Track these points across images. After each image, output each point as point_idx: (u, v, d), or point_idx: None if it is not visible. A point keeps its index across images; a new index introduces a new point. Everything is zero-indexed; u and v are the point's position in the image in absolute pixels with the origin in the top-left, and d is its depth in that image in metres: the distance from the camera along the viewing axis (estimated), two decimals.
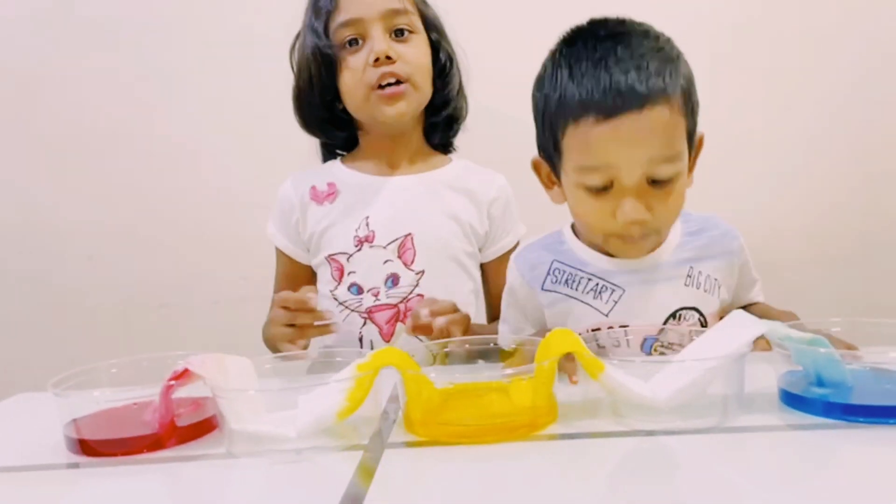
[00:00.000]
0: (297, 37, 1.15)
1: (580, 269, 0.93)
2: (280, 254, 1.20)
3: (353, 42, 1.08)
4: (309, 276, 1.18)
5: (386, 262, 1.10)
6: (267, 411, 0.67)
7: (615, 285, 0.91)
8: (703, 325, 0.91)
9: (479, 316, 1.18)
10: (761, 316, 0.94)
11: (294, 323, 0.97)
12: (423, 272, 1.10)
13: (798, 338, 0.65)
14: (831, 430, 0.61)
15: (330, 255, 1.12)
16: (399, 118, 1.11)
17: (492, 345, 0.80)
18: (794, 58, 1.46)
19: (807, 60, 1.46)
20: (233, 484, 0.61)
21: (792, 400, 0.66)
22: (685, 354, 0.70)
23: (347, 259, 1.11)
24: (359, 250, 1.11)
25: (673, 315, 0.91)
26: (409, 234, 1.11)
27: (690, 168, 0.87)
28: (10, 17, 1.53)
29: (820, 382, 0.65)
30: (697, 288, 0.92)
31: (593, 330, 0.86)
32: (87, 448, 0.67)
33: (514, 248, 1.19)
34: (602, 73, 0.80)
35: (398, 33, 1.09)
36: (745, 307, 0.97)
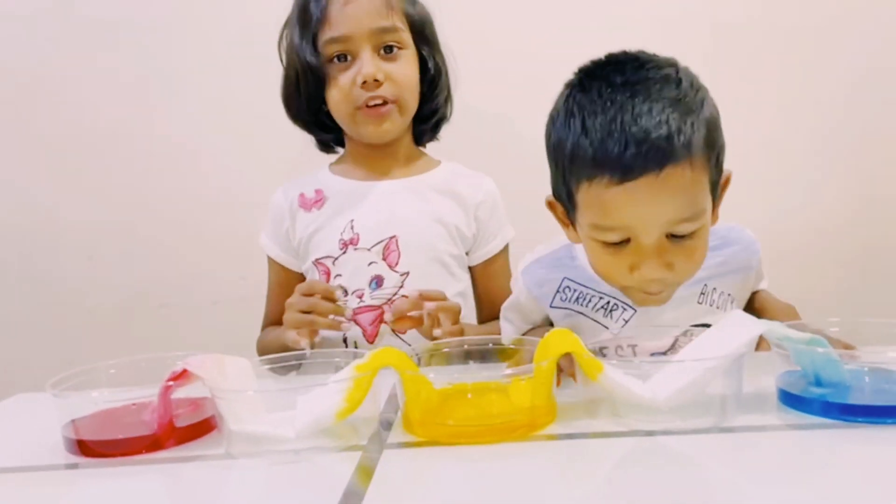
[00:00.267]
0: (286, 25, 1.15)
1: (591, 288, 0.90)
2: (272, 263, 1.20)
3: (342, 58, 1.08)
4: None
5: (370, 264, 1.11)
6: (266, 412, 0.67)
7: (626, 304, 0.89)
8: None
9: (467, 319, 1.18)
10: (761, 306, 0.95)
11: (312, 311, 0.97)
12: (407, 273, 1.11)
13: (796, 338, 0.65)
14: (830, 429, 0.61)
15: (317, 260, 1.13)
16: (383, 137, 1.12)
17: (490, 345, 0.80)
18: (792, 58, 1.46)
19: (806, 61, 1.46)
20: (231, 484, 0.61)
21: (790, 400, 0.66)
22: (684, 354, 0.70)
23: (333, 262, 1.12)
24: (344, 253, 1.11)
25: (683, 333, 0.90)
26: (394, 236, 1.11)
27: (715, 207, 0.82)
28: (9, 17, 1.52)
29: (818, 382, 0.65)
30: (710, 305, 0.90)
31: (601, 348, 0.83)
32: (86, 449, 0.67)
33: (504, 250, 1.20)
34: (616, 130, 0.73)
35: (387, 50, 1.08)
36: (750, 297, 0.98)
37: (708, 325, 0.89)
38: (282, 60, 1.15)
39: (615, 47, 0.82)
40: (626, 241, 0.78)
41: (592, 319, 0.90)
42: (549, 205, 0.89)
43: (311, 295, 0.98)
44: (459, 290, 1.16)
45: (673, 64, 0.79)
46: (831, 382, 0.65)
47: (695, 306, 0.90)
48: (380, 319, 1.10)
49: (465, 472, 0.58)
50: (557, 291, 0.92)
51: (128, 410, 0.73)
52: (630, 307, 0.89)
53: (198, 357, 0.70)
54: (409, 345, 0.97)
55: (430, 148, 1.24)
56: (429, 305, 0.94)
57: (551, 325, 0.95)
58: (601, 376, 0.65)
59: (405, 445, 0.65)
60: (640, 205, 0.75)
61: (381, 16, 1.07)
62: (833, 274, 1.50)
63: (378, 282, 1.10)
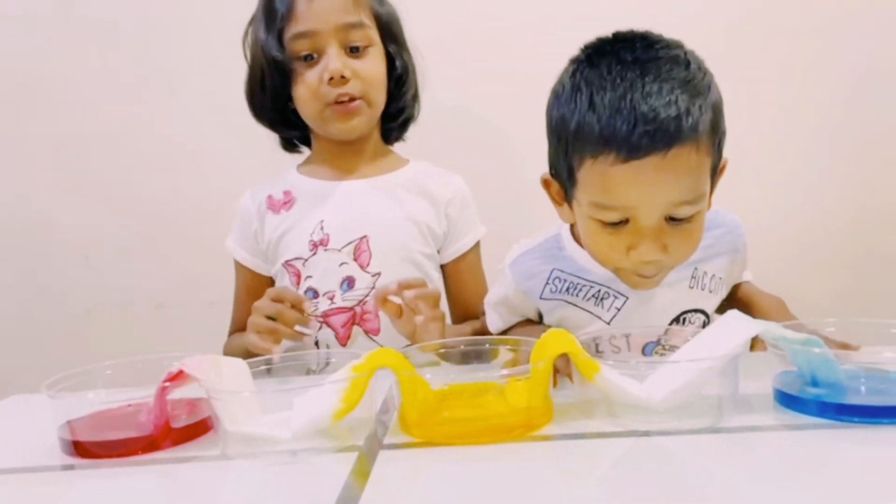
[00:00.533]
0: (251, 22, 1.13)
1: (581, 277, 0.90)
2: (240, 267, 1.19)
3: (308, 57, 1.07)
4: (268, 288, 1.16)
5: (342, 264, 1.10)
6: (262, 413, 0.67)
7: (618, 292, 0.89)
8: (708, 324, 0.90)
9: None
10: (748, 299, 0.95)
11: (278, 318, 0.95)
12: (379, 274, 1.10)
13: (792, 338, 0.65)
14: (826, 430, 0.61)
15: (286, 262, 1.12)
16: (352, 133, 1.11)
17: (486, 346, 0.79)
18: (790, 58, 1.46)
19: (803, 61, 1.46)
20: (228, 485, 0.61)
21: (787, 400, 0.66)
22: (680, 355, 0.70)
23: (303, 264, 1.11)
24: (314, 254, 1.10)
25: (677, 318, 0.89)
26: (365, 236, 1.10)
27: (710, 193, 0.82)
28: (9, 17, 1.52)
29: (814, 382, 0.65)
30: (702, 289, 0.90)
31: (594, 339, 0.83)
32: (82, 450, 0.67)
33: (475, 247, 1.20)
34: (626, 108, 0.73)
35: (353, 49, 1.08)
36: (734, 288, 0.98)
37: (701, 311, 0.90)
38: (246, 58, 1.14)
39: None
40: (625, 221, 0.78)
41: (583, 309, 0.90)
42: (545, 182, 0.88)
43: (279, 301, 0.96)
44: None
45: (680, 45, 0.79)
46: (827, 383, 0.65)
47: (686, 291, 0.89)
48: (352, 321, 1.09)
49: (461, 473, 0.58)
50: (547, 283, 0.91)
51: (124, 411, 0.73)
52: (621, 294, 0.89)
53: (194, 358, 0.70)
54: (379, 344, 0.96)
55: (400, 148, 1.24)
56: (407, 294, 0.92)
57: (540, 317, 0.95)
58: (597, 377, 0.65)
59: (402, 446, 0.65)
60: (644, 184, 0.75)
61: (347, 11, 1.07)
62: (831, 275, 1.50)
63: (349, 283, 1.09)
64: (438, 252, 1.18)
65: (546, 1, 1.46)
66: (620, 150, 0.73)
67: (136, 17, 1.52)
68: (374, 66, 1.10)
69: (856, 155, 1.49)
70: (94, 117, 1.54)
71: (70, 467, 0.66)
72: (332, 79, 1.05)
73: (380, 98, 1.12)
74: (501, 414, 0.66)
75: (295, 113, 1.13)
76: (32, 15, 1.52)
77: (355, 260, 1.10)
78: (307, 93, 1.08)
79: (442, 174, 1.20)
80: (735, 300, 0.97)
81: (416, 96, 1.19)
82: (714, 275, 0.91)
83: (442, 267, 1.19)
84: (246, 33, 1.14)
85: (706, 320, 0.91)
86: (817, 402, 0.64)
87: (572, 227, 0.93)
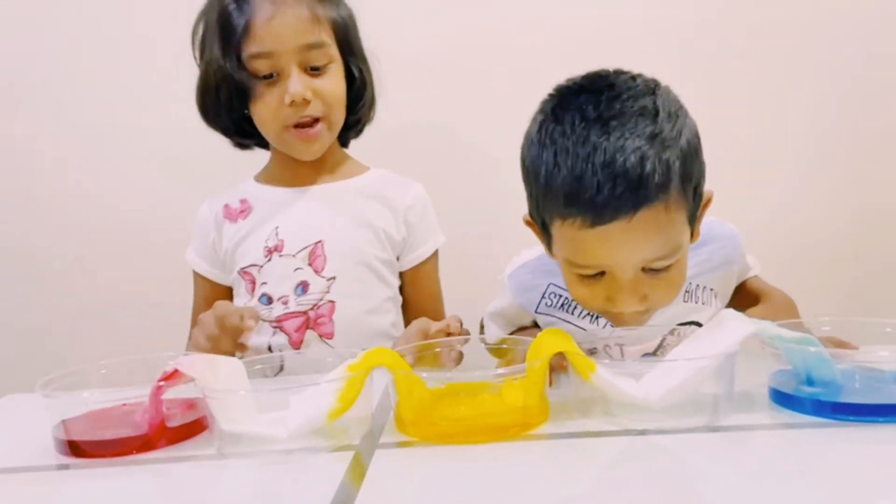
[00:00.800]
0: (199, 21, 1.09)
1: None
2: (198, 278, 1.18)
3: (269, 76, 1.05)
4: (227, 299, 1.15)
5: (296, 269, 1.09)
6: (257, 412, 0.67)
7: (613, 324, 0.88)
8: None
9: (398, 325, 1.17)
10: (756, 293, 0.95)
11: (215, 342, 0.92)
12: (333, 278, 1.09)
13: (788, 337, 0.66)
14: (821, 428, 0.61)
15: (242, 269, 1.11)
16: (313, 156, 1.11)
17: (483, 345, 0.80)
18: (786, 57, 1.46)
19: (799, 59, 1.46)
20: (223, 485, 0.61)
21: (782, 399, 0.66)
22: (676, 354, 0.70)
23: (258, 270, 1.10)
24: (269, 261, 1.10)
25: (671, 332, 0.90)
26: (320, 240, 1.09)
27: (696, 228, 0.80)
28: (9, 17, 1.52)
29: (810, 381, 0.66)
30: (696, 302, 0.91)
31: (590, 350, 0.83)
32: (77, 449, 0.67)
33: (433, 256, 1.19)
34: (589, 171, 0.70)
35: (314, 69, 1.06)
36: (742, 283, 0.98)
37: (695, 323, 0.90)
38: (195, 58, 1.11)
39: (582, 53, 0.81)
40: (602, 273, 0.76)
41: (579, 327, 0.90)
42: (528, 223, 0.85)
43: (222, 323, 0.91)
44: (389, 296, 1.14)
45: (651, 91, 0.75)
46: (823, 381, 0.65)
47: (680, 305, 0.89)
48: (305, 325, 1.08)
49: (457, 472, 0.58)
50: (543, 297, 0.92)
51: (119, 411, 0.72)
52: None
53: (189, 357, 0.70)
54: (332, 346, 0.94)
55: (360, 155, 1.23)
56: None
57: (539, 327, 0.95)
58: (594, 376, 0.65)
59: (397, 445, 0.65)
60: (614, 247, 0.72)
61: (307, 32, 1.04)
62: (830, 275, 1.50)
63: (304, 287, 1.08)
64: (398, 258, 1.16)
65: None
66: (586, 215, 0.71)
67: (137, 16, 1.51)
68: (334, 84, 1.08)
69: (854, 155, 1.49)
70: (86, 114, 1.54)
71: (65, 467, 0.66)
72: (293, 102, 1.04)
73: (340, 117, 1.11)
74: (497, 413, 0.67)
75: (250, 122, 1.11)
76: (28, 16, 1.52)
77: (310, 265, 1.09)
78: (267, 113, 1.06)
79: (402, 181, 1.19)
80: (743, 295, 0.97)
81: (372, 103, 1.17)
82: (706, 287, 0.92)
83: (401, 274, 1.18)
84: (194, 33, 1.10)
85: None
86: (812, 401, 0.64)
87: None
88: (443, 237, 1.20)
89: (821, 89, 1.47)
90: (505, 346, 0.79)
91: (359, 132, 1.21)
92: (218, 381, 0.68)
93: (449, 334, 0.85)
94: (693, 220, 0.78)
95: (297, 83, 1.03)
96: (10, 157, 1.56)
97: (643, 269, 0.75)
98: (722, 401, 0.66)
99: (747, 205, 1.43)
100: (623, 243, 0.72)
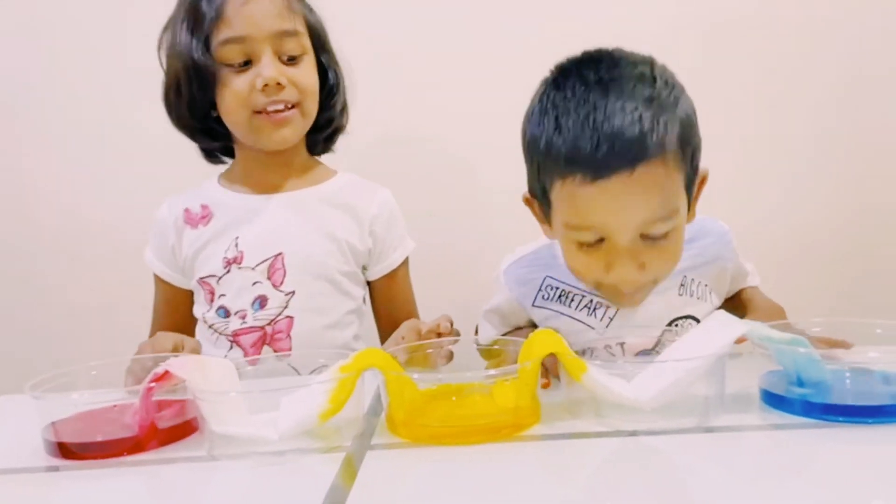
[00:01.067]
0: (166, 29, 1.08)
1: (574, 286, 0.90)
2: (158, 280, 1.15)
3: (242, 64, 1.02)
4: (189, 302, 1.13)
5: (255, 283, 1.06)
6: (248, 413, 0.67)
7: (609, 302, 0.89)
8: None
9: (367, 336, 1.16)
10: (748, 304, 0.96)
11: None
12: (293, 293, 1.06)
13: (778, 338, 0.66)
14: (811, 429, 0.62)
15: (201, 279, 1.08)
16: (283, 144, 1.06)
17: (475, 346, 0.80)
18: (786, 56, 1.46)
19: (799, 59, 1.46)
20: (214, 486, 0.61)
21: (772, 400, 0.67)
22: (667, 355, 0.70)
23: (217, 282, 1.07)
24: (228, 272, 1.07)
25: (669, 325, 0.89)
26: (280, 253, 1.06)
27: (692, 205, 0.82)
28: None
29: (800, 382, 0.66)
30: (691, 296, 0.91)
31: (590, 348, 0.84)
32: (66, 451, 0.67)
33: (404, 263, 1.17)
34: (589, 129, 0.73)
35: (291, 58, 1.04)
36: (738, 292, 0.99)
37: (691, 317, 0.90)
38: (161, 63, 1.08)
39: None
40: (601, 240, 0.78)
41: (576, 320, 0.90)
42: (527, 201, 0.88)
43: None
44: (351, 309, 1.12)
45: (648, 61, 0.79)
46: (813, 382, 0.65)
47: (676, 299, 0.90)
48: (262, 341, 1.06)
49: (449, 473, 0.58)
50: (539, 290, 0.92)
51: (109, 412, 0.72)
52: (613, 304, 0.89)
53: (180, 358, 0.69)
54: (295, 369, 0.91)
55: (339, 162, 1.21)
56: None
57: (534, 326, 0.95)
58: (585, 377, 0.65)
59: (389, 446, 0.64)
60: (614, 203, 0.74)
61: (282, 18, 1.02)
62: (828, 275, 1.50)
63: (261, 302, 1.06)
64: (365, 269, 1.14)
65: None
66: (587, 171, 0.73)
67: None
68: (308, 74, 1.06)
69: (854, 155, 1.50)
70: (82, 114, 1.53)
71: (55, 469, 0.66)
72: (266, 86, 1.01)
73: (313, 107, 1.08)
74: (489, 414, 0.67)
75: (217, 121, 1.08)
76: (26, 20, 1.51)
77: (269, 279, 1.06)
78: (235, 101, 1.02)
79: (368, 188, 1.15)
80: (736, 304, 0.98)
81: (345, 108, 1.15)
82: (701, 282, 0.92)
83: (370, 283, 1.16)
84: (161, 40, 1.08)
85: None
86: (803, 402, 0.64)
87: None
88: (412, 243, 1.18)
89: (821, 89, 1.47)
90: (496, 347, 0.79)
91: (329, 139, 1.17)
92: (208, 382, 0.68)
93: (440, 335, 0.84)
94: (690, 189, 0.80)
95: (270, 67, 1.01)
96: (7, 157, 1.55)
97: (641, 237, 0.77)
98: (713, 402, 0.66)
99: (747, 205, 1.44)
100: (623, 200, 0.74)
